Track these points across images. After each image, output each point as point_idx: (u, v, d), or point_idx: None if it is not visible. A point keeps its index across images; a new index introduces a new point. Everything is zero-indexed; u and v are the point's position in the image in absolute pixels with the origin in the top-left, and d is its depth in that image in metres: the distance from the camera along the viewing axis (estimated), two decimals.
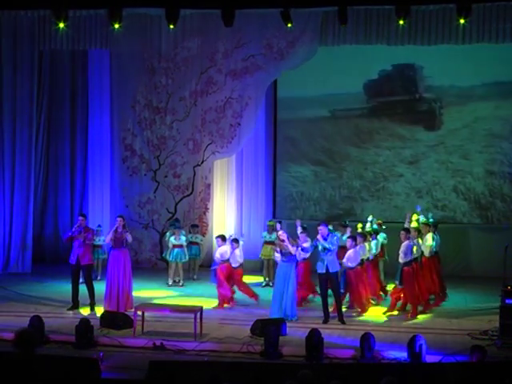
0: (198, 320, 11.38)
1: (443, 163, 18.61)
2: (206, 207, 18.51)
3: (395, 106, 18.80)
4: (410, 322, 12.62)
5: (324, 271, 12.48)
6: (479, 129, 18.38)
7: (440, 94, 18.54)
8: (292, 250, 12.57)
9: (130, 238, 13.52)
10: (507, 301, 11.06)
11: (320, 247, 12.49)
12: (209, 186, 18.56)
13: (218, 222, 18.10)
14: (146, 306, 12.43)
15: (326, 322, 12.38)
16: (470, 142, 18.44)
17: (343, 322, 12.40)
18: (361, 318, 12.88)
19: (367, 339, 10.24)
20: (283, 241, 12.66)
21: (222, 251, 13.95)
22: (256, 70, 17.78)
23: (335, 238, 12.77)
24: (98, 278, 15.96)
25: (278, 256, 12.82)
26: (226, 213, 19.01)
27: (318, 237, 12.53)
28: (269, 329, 10.71)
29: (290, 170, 19.24)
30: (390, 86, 18.75)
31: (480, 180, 18.35)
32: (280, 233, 13.09)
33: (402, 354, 10.15)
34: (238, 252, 14.06)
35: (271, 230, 15.97)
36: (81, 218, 13.76)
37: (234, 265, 13.97)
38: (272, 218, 18.32)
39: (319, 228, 12.68)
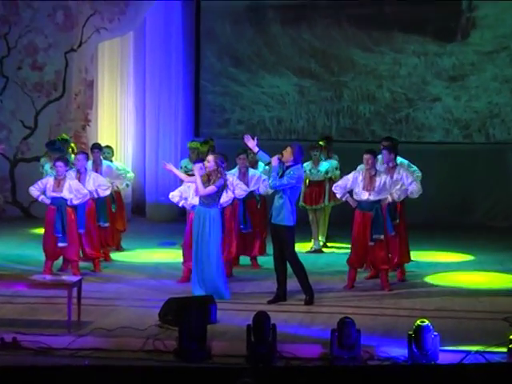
0: (75, 300, 11.35)
1: (507, 82, 18.45)
2: (87, 119, 18.57)
3: None
4: (413, 300, 12.83)
5: (269, 219, 12.79)
6: None
7: None
8: (200, 187, 12.60)
9: None
10: None
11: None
12: (91, 85, 18.63)
13: (105, 142, 17.96)
14: None
15: (276, 300, 12.46)
16: None
17: (309, 302, 12.52)
18: (332, 296, 13.00)
19: (345, 328, 10.33)
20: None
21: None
22: None
23: (297, 174, 12.57)
24: None
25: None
26: (118, 128, 19.03)
27: (273, 159, 12.44)
28: (188, 313, 10.73)
29: (263, 84, 19.20)
30: None
31: None
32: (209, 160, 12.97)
33: (401, 352, 10.29)
34: None
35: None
36: None
37: None
38: (194, 137, 18.36)
39: (285, 150, 12.48)
